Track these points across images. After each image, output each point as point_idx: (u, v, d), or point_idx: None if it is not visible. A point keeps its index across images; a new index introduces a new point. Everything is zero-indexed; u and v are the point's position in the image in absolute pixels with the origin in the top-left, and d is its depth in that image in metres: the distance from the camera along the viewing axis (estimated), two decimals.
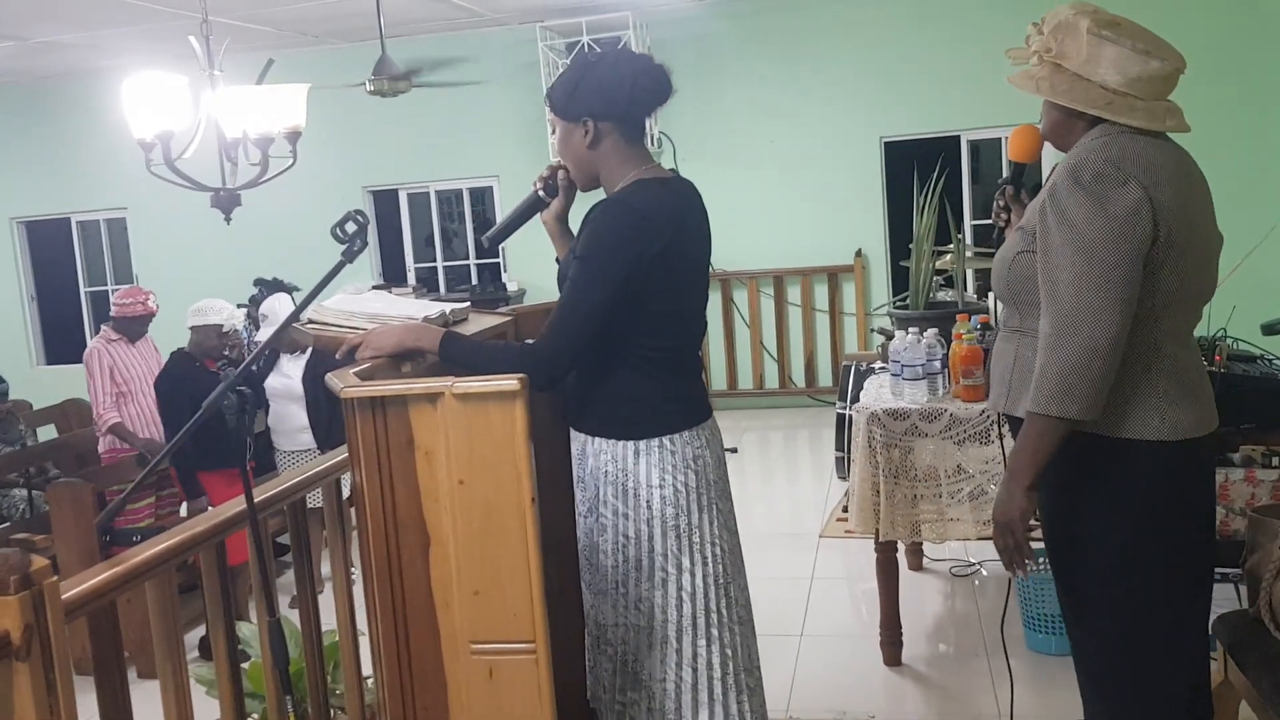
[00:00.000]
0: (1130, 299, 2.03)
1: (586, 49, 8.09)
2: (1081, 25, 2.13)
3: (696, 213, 2.42)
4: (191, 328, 5.14)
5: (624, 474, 2.32)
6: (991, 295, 2.45)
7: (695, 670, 2.33)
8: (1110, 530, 2.16)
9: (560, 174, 2.46)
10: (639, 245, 2.23)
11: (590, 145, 2.33)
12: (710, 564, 2.35)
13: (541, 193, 2.50)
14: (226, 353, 5.13)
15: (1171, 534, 2.16)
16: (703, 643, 2.34)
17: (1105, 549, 2.17)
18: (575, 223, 2.50)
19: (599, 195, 2.40)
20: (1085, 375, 2.01)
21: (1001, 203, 2.52)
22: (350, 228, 2.13)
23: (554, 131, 2.39)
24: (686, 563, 2.33)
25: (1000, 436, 3.28)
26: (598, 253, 2.23)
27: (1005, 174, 2.54)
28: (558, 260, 2.55)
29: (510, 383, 1.95)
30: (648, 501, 2.31)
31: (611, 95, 2.29)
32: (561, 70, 2.39)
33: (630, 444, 2.32)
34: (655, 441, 2.32)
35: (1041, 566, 3.88)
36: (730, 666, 2.37)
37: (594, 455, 2.37)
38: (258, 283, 5.74)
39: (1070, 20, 2.15)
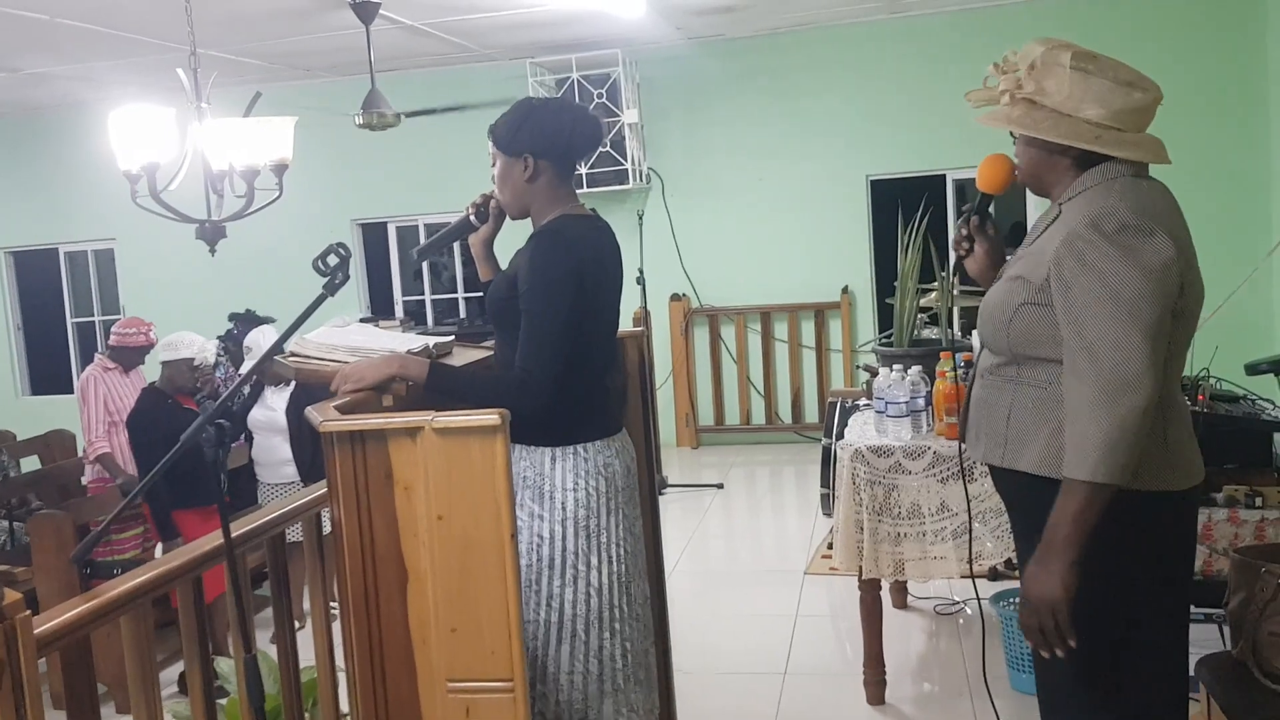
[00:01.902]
0: (1164, 354, 1.97)
1: (576, 85, 8.15)
2: (1063, 60, 2.07)
3: (611, 247, 2.64)
4: (163, 363, 5.08)
5: (540, 478, 2.50)
6: (975, 334, 2.38)
7: (600, 662, 2.51)
8: (1113, 580, 2.09)
9: (493, 202, 2.68)
10: (576, 266, 2.44)
11: (529, 179, 2.55)
12: (614, 563, 2.54)
13: (473, 218, 2.71)
14: (198, 386, 5.10)
15: (1169, 580, 2.13)
16: (606, 635, 2.52)
17: (1107, 596, 2.09)
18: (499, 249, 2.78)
19: (527, 226, 2.62)
20: (1132, 438, 1.92)
21: (965, 231, 2.40)
22: (332, 260, 2.13)
23: (494, 164, 2.60)
24: (594, 560, 2.51)
25: (964, 477, 3.27)
26: (543, 278, 2.41)
27: (971, 202, 2.42)
28: (480, 280, 2.81)
29: (490, 417, 1.95)
30: (562, 503, 2.49)
31: (553, 137, 2.52)
32: (504, 112, 2.60)
33: (547, 450, 2.50)
34: (570, 449, 2.51)
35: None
36: (629, 659, 2.56)
37: (512, 462, 2.47)
38: (232, 317, 5.73)
39: (1049, 56, 2.09)
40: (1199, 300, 2.12)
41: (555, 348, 2.38)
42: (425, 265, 9.65)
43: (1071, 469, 1.95)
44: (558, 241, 2.46)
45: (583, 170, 7.96)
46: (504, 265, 2.72)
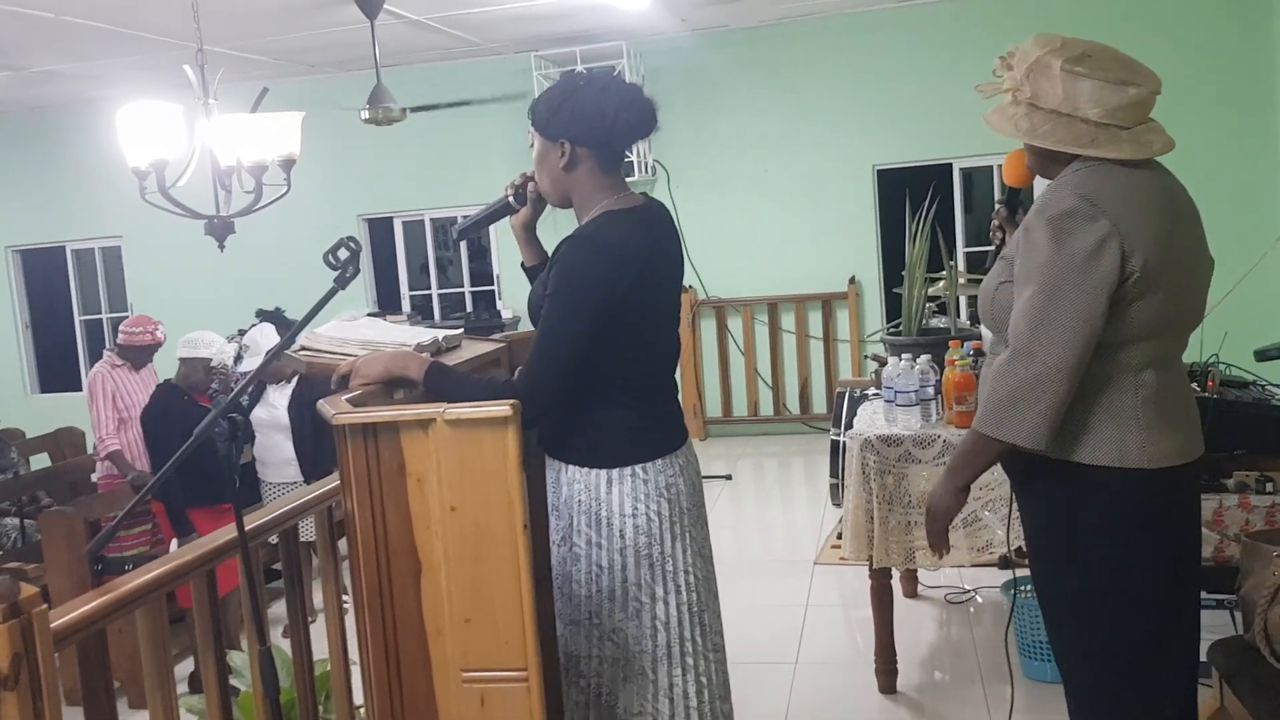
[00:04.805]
0: (1090, 333, 2.05)
1: None
2: (1054, 65, 2.11)
3: (668, 239, 2.43)
4: (180, 359, 5.11)
5: (596, 503, 2.32)
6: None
7: (671, 701, 2.32)
8: (1091, 558, 2.17)
9: (531, 185, 2.47)
10: (608, 280, 2.23)
11: (566, 168, 2.33)
12: (684, 592, 2.34)
13: (512, 199, 2.52)
14: (214, 386, 5.11)
15: (1151, 561, 2.15)
16: (678, 672, 2.33)
17: (1087, 576, 2.18)
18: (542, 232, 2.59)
19: (568, 213, 2.43)
20: (1032, 404, 2.06)
21: (996, 223, 2.64)
22: (343, 254, 2.13)
23: (532, 145, 2.40)
24: (660, 591, 2.32)
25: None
26: (568, 289, 2.23)
27: (1001, 196, 2.67)
28: (523, 266, 2.62)
29: (502, 409, 1.96)
30: (620, 531, 2.31)
31: (593, 123, 2.29)
32: (549, 86, 2.42)
33: (603, 473, 2.32)
34: (628, 470, 2.32)
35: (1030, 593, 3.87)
36: (705, 695, 2.36)
37: (567, 484, 2.36)
38: (259, 314, 5.73)
39: (1042, 60, 2.13)
40: (1173, 283, 2.11)
41: (556, 366, 2.21)
42: (432, 259, 9.65)
43: (978, 422, 2.16)
44: (594, 249, 2.26)
45: None
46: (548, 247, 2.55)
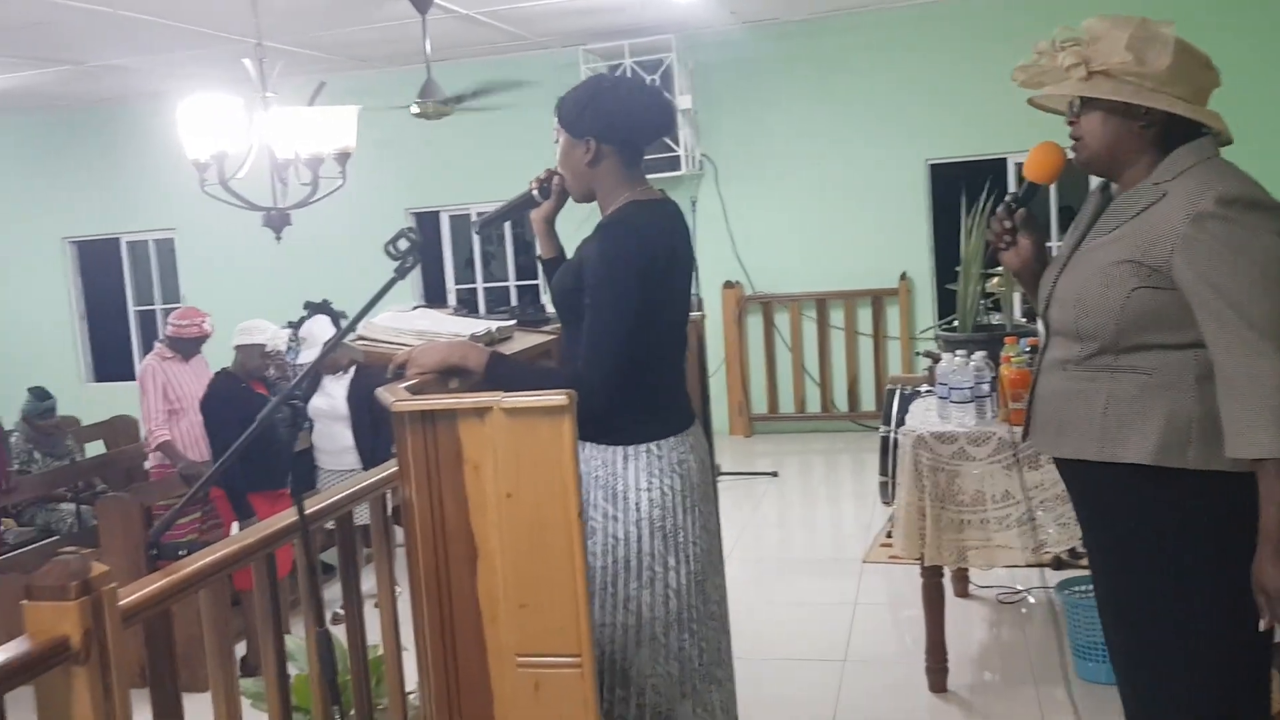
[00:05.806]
0: None
1: (629, 72, 8.14)
2: (1166, 33, 2.04)
3: (682, 232, 2.55)
4: (236, 347, 5.18)
5: (613, 478, 2.42)
6: (1041, 323, 2.32)
7: (680, 663, 2.44)
8: (1176, 562, 2.07)
9: (556, 179, 2.59)
10: (644, 263, 2.35)
11: (590, 163, 2.46)
12: (691, 562, 2.47)
13: (536, 193, 2.63)
14: (271, 372, 5.17)
15: (1236, 561, 2.03)
16: (685, 636, 2.45)
17: (1209, 581, 2.06)
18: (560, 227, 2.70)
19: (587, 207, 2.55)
20: None
21: (1009, 224, 2.30)
22: (403, 244, 2.15)
23: (557, 140, 2.52)
24: (672, 561, 2.44)
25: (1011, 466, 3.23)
26: (612, 276, 2.33)
27: (1015, 191, 2.34)
28: (538, 257, 2.75)
29: (558, 398, 1.97)
30: (636, 504, 2.41)
31: (618, 121, 2.43)
32: (574, 86, 2.53)
33: (619, 449, 2.42)
34: (643, 447, 2.43)
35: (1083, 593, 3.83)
36: (706, 659, 2.49)
37: (584, 460, 2.42)
38: (307, 305, 5.78)
39: (1144, 30, 2.05)
40: None
41: (616, 352, 2.31)
42: (478, 254, 9.70)
43: (1269, 448, 1.88)
44: (628, 234, 2.37)
45: None
46: (567, 244, 2.67)
